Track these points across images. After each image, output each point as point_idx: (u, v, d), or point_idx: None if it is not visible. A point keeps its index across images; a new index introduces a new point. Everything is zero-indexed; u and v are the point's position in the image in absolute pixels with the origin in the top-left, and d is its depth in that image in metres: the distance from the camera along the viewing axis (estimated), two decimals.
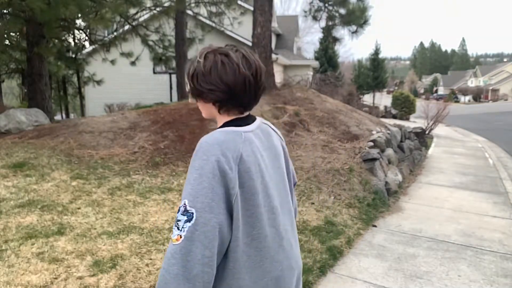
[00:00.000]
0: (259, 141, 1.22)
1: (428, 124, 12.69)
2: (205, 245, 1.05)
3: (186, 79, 1.21)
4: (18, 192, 4.70)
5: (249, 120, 1.25)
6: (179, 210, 1.09)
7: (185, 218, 1.07)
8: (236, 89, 1.15)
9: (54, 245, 3.47)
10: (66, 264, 3.16)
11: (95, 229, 3.83)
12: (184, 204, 1.08)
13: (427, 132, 11.93)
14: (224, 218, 1.08)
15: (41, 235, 3.66)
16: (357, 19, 9.34)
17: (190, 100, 1.27)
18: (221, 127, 1.21)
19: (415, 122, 16.02)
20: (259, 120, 1.31)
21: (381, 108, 23.03)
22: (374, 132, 7.06)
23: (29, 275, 2.99)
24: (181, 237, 1.06)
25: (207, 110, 1.24)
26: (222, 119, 1.22)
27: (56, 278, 2.96)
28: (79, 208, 4.32)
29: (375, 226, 4.49)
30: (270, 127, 1.36)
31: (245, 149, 1.14)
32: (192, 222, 1.06)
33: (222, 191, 1.08)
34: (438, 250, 3.86)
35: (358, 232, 4.24)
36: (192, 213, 1.06)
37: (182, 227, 1.06)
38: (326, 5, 9.69)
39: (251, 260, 1.16)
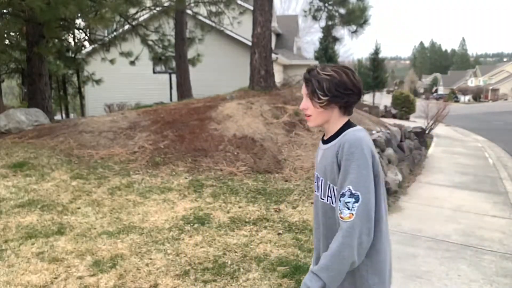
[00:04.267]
0: None
1: (428, 123, 12.67)
2: (368, 219, 1.33)
3: (318, 93, 1.46)
4: (18, 192, 4.70)
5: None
6: (344, 195, 1.34)
7: (353, 200, 1.33)
8: (361, 93, 1.49)
9: (54, 245, 3.48)
10: (66, 264, 3.16)
11: (95, 229, 3.83)
12: (349, 189, 1.33)
13: (427, 131, 11.91)
14: (373, 197, 1.36)
15: (41, 235, 3.67)
16: (357, 19, 9.32)
17: (311, 108, 1.50)
18: (343, 126, 1.48)
19: (415, 122, 16.00)
20: None
21: (381, 107, 22.99)
22: (374, 131, 7.06)
23: (29, 275, 2.99)
24: (352, 215, 1.32)
25: (326, 115, 1.49)
26: (341, 120, 1.49)
27: (56, 278, 2.96)
28: (79, 208, 4.33)
29: None
30: None
31: (371, 143, 1.44)
32: (359, 202, 1.32)
33: (372, 176, 1.36)
34: (438, 250, 3.86)
35: None
36: (358, 195, 1.32)
37: (352, 207, 1.33)
38: (326, 5, 9.67)
39: (386, 230, 1.46)
